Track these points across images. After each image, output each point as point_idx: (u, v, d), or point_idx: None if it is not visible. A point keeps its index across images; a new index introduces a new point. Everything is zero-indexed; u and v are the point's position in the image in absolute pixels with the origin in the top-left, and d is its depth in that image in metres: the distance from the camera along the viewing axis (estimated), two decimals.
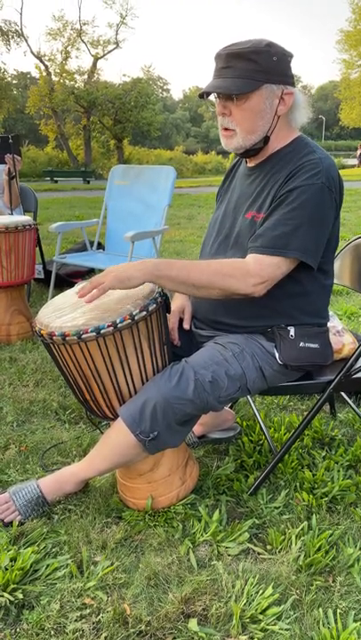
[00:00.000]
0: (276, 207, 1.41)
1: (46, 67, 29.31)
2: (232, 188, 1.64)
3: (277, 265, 1.39)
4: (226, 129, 1.44)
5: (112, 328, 1.32)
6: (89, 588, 1.30)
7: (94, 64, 30.34)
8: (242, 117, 1.40)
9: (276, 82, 1.38)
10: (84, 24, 33.86)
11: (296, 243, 1.38)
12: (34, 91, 29.11)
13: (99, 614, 1.23)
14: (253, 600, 1.26)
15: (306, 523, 1.50)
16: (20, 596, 1.27)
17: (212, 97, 1.43)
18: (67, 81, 29.22)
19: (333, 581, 1.33)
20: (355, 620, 1.22)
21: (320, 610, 1.25)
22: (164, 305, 1.47)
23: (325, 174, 1.39)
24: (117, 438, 1.42)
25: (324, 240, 1.44)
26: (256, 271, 1.37)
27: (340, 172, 1.46)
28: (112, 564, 1.37)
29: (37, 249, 3.51)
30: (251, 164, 1.56)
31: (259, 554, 1.42)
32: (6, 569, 1.33)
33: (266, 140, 1.45)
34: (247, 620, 1.21)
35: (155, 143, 43.87)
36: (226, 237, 1.56)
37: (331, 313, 1.78)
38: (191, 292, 1.41)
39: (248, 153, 1.49)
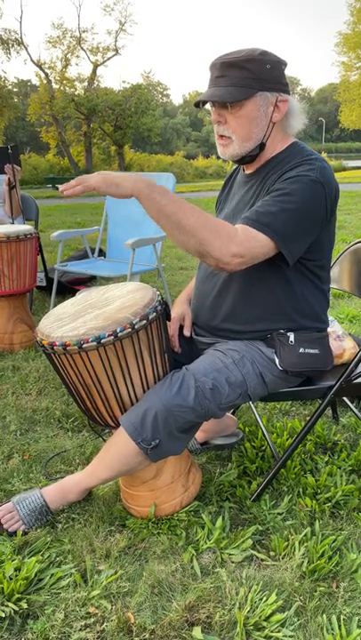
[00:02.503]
0: (269, 192, 1.42)
1: (46, 74, 29.48)
2: (231, 196, 1.65)
3: (261, 243, 1.35)
4: (222, 136, 1.46)
5: (112, 337, 1.33)
6: (93, 597, 1.30)
7: (94, 71, 30.50)
8: (237, 125, 1.42)
9: (270, 89, 1.40)
10: (84, 31, 34.00)
11: (278, 224, 1.35)
12: (34, 98, 29.27)
13: (103, 623, 1.23)
14: (257, 607, 1.26)
15: (309, 528, 1.50)
16: (25, 606, 1.27)
17: (208, 106, 1.45)
18: (67, 88, 29.38)
19: (337, 587, 1.33)
20: (359, 626, 1.22)
21: (324, 616, 1.25)
22: (164, 313, 1.48)
23: (320, 172, 1.40)
24: (119, 447, 1.43)
25: (306, 233, 1.41)
26: (241, 240, 1.33)
27: (340, 173, 1.47)
28: (116, 573, 1.37)
29: (39, 257, 3.53)
30: (248, 172, 1.57)
31: (262, 560, 1.42)
32: (11, 578, 1.34)
33: (262, 146, 1.46)
34: (251, 628, 1.21)
35: (155, 148, 44.03)
36: None
37: (331, 318, 1.78)
38: (170, 231, 1.34)
39: (244, 160, 1.50)
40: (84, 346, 1.33)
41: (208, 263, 1.37)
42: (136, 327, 1.36)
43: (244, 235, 1.34)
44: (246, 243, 1.33)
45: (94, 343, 1.32)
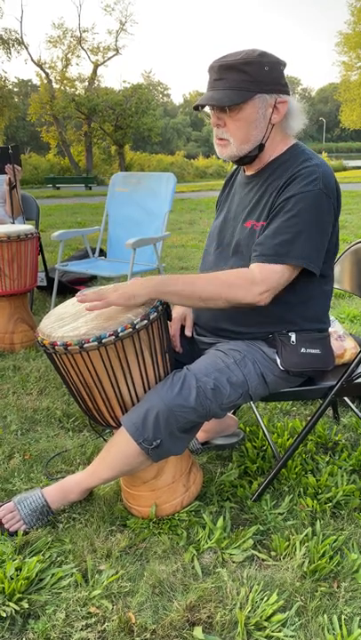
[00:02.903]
0: (275, 215, 1.42)
1: (47, 74, 29.48)
2: (231, 197, 1.65)
3: (281, 272, 1.40)
4: (220, 139, 1.46)
5: (113, 337, 1.33)
6: (94, 597, 1.30)
7: (94, 71, 30.49)
8: (236, 128, 1.42)
9: (268, 91, 1.39)
10: (84, 31, 33.91)
11: (297, 250, 1.39)
12: (35, 98, 29.27)
13: (104, 623, 1.23)
14: (258, 607, 1.26)
15: (310, 528, 1.50)
16: (26, 606, 1.27)
17: (207, 108, 1.45)
18: (67, 88, 29.37)
19: (338, 587, 1.33)
20: (360, 626, 1.22)
21: (325, 616, 1.25)
22: (165, 313, 1.48)
23: (323, 181, 1.40)
24: (120, 447, 1.43)
25: (324, 246, 1.45)
26: (261, 279, 1.38)
27: (341, 173, 1.47)
28: (117, 573, 1.37)
29: (40, 257, 3.53)
30: (248, 173, 1.57)
31: (263, 560, 1.42)
32: (12, 578, 1.34)
33: (261, 147, 1.46)
34: (252, 628, 1.22)
35: (156, 148, 44.03)
36: (226, 246, 1.57)
37: (332, 318, 1.78)
38: (197, 305, 1.43)
39: (243, 161, 1.50)
40: (85, 345, 1.33)
41: (246, 308, 1.43)
42: (137, 327, 1.35)
43: (262, 274, 1.39)
44: (267, 280, 1.39)
45: (95, 343, 1.32)
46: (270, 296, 1.41)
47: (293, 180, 1.41)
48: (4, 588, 1.30)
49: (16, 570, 1.36)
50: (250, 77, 1.37)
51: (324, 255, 1.48)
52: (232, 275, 1.42)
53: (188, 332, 1.66)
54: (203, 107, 1.43)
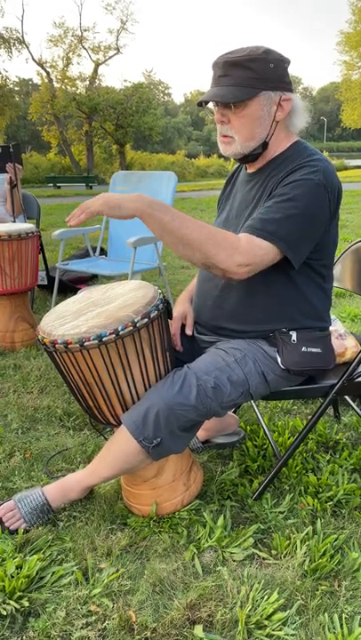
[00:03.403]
0: (272, 198, 1.41)
1: (48, 73, 29.46)
2: (233, 195, 1.65)
3: (266, 250, 1.36)
4: (225, 136, 1.45)
5: (114, 335, 1.33)
6: (94, 595, 1.30)
7: (95, 70, 30.47)
8: (240, 125, 1.41)
9: (273, 88, 1.39)
10: (85, 30, 33.88)
11: (283, 231, 1.36)
12: (36, 97, 29.26)
13: (104, 621, 1.23)
14: (259, 606, 1.26)
15: (311, 527, 1.50)
16: (26, 604, 1.27)
17: (210, 105, 1.44)
18: (68, 87, 29.34)
19: (339, 586, 1.33)
20: (360, 625, 1.22)
21: (326, 615, 1.25)
22: (166, 311, 1.48)
23: (323, 174, 1.39)
24: (121, 445, 1.43)
25: (310, 237, 1.42)
26: (245, 249, 1.34)
27: (342, 172, 1.47)
28: (117, 571, 1.37)
29: (40, 255, 3.53)
30: (250, 170, 1.57)
31: (264, 559, 1.42)
32: (12, 576, 1.34)
33: (265, 145, 1.46)
34: (253, 626, 1.21)
35: (157, 147, 44.00)
36: None
37: (333, 317, 1.78)
38: (175, 246, 1.35)
39: (247, 159, 1.50)
40: (85, 344, 1.33)
41: (215, 274, 1.39)
42: (138, 325, 1.35)
43: (248, 244, 1.35)
44: (251, 252, 1.34)
45: (96, 341, 1.32)
46: (248, 273, 1.37)
47: (295, 171, 1.40)
48: (4, 586, 1.30)
49: (16, 568, 1.36)
50: (255, 74, 1.36)
51: (323, 253, 1.47)
52: (221, 233, 1.36)
53: (188, 331, 1.66)
54: (206, 103, 1.42)
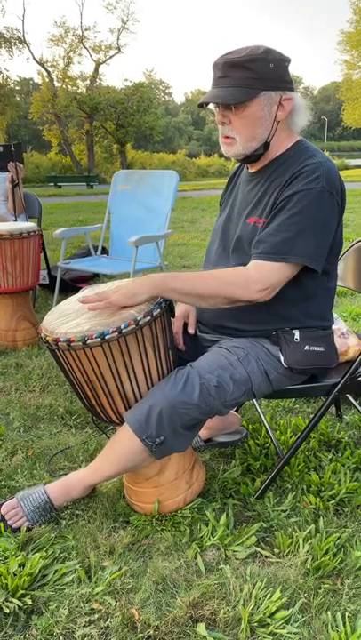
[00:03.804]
0: (277, 213, 1.42)
1: (49, 73, 29.47)
2: (234, 194, 1.65)
3: (280, 270, 1.40)
4: (226, 137, 1.45)
5: (117, 334, 1.33)
6: (97, 593, 1.30)
7: (96, 69, 30.48)
8: (241, 125, 1.41)
9: (273, 88, 1.39)
10: (86, 30, 33.98)
11: (298, 248, 1.38)
12: (36, 97, 29.28)
13: (107, 619, 1.23)
14: (261, 604, 1.26)
15: (313, 526, 1.50)
16: (29, 602, 1.27)
17: (211, 106, 1.44)
18: (69, 86, 29.36)
19: (341, 584, 1.33)
20: None
21: (328, 613, 1.25)
22: (169, 309, 1.48)
23: (325, 178, 1.39)
24: (124, 444, 1.43)
25: (327, 243, 1.44)
26: (257, 277, 1.39)
27: (343, 172, 1.46)
28: (120, 569, 1.37)
29: (42, 255, 3.53)
30: (252, 170, 1.56)
31: (266, 557, 1.42)
32: (15, 575, 1.34)
33: (266, 145, 1.46)
34: (255, 624, 1.21)
35: (157, 147, 44.00)
36: (228, 244, 1.57)
37: (335, 315, 1.78)
38: (198, 303, 1.43)
39: (249, 159, 1.50)
40: (88, 342, 1.32)
41: (245, 304, 1.43)
42: (140, 323, 1.35)
43: (258, 272, 1.39)
44: (263, 277, 1.39)
45: (98, 339, 1.32)
46: (271, 293, 1.41)
47: (296, 178, 1.40)
48: (7, 584, 1.30)
49: (19, 566, 1.36)
50: (255, 75, 1.36)
51: (328, 252, 1.47)
52: (229, 273, 1.42)
53: (190, 330, 1.66)
54: (207, 104, 1.42)
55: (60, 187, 22.19)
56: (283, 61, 1.40)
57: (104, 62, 30.74)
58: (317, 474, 1.75)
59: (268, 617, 1.23)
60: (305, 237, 1.38)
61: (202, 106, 1.44)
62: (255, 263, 1.41)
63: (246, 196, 1.56)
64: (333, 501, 1.61)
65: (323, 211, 1.39)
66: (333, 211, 1.42)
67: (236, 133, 1.43)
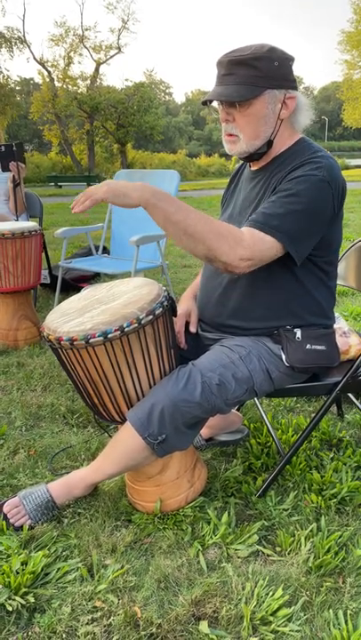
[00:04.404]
0: (276, 193, 1.41)
1: (49, 72, 29.48)
2: (237, 192, 1.65)
3: (268, 245, 1.36)
4: (230, 134, 1.45)
5: (119, 332, 1.33)
6: (100, 592, 1.30)
7: (97, 69, 30.49)
8: (245, 123, 1.41)
9: (278, 87, 1.39)
10: (86, 29, 34.00)
11: (286, 226, 1.36)
12: (37, 97, 29.29)
13: (110, 617, 1.24)
14: (264, 602, 1.26)
15: (315, 524, 1.50)
16: (32, 600, 1.27)
17: (215, 103, 1.44)
18: (69, 86, 29.37)
19: (343, 583, 1.33)
20: None
21: (330, 611, 1.25)
22: (171, 308, 1.48)
23: (327, 170, 1.39)
24: (126, 442, 1.43)
25: (313, 232, 1.41)
26: (248, 243, 1.34)
27: (343, 172, 1.46)
28: (122, 567, 1.37)
29: (43, 254, 3.54)
30: (254, 168, 1.57)
31: (268, 556, 1.43)
32: (17, 573, 1.34)
33: (269, 144, 1.46)
34: (258, 622, 1.22)
35: (158, 147, 44.00)
36: None
37: (337, 314, 1.78)
38: (177, 237, 1.35)
39: (252, 157, 1.50)
40: (90, 341, 1.33)
41: (217, 267, 1.39)
42: (143, 322, 1.36)
43: (251, 238, 1.35)
44: (253, 246, 1.34)
45: (101, 338, 1.32)
46: (250, 267, 1.36)
47: (299, 167, 1.40)
48: (9, 582, 1.31)
49: (22, 564, 1.37)
50: (260, 73, 1.36)
51: (327, 250, 1.48)
52: (225, 226, 1.36)
53: (192, 329, 1.66)
54: (211, 101, 1.42)
55: (60, 186, 22.20)
56: (287, 60, 1.40)
57: (104, 62, 30.76)
58: (319, 473, 1.75)
59: (271, 615, 1.23)
60: (294, 219, 1.36)
61: (206, 103, 1.44)
62: (249, 229, 1.37)
63: (249, 194, 1.56)
64: (335, 500, 1.61)
65: (318, 200, 1.38)
66: (328, 203, 1.40)
67: (240, 131, 1.43)
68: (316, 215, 1.39)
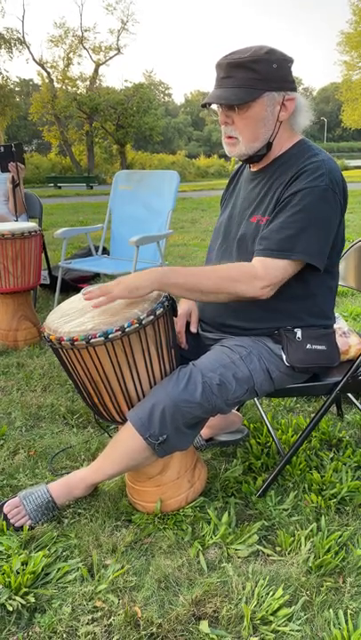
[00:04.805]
0: (281, 210, 1.42)
1: (48, 73, 29.48)
2: (236, 193, 1.65)
3: (283, 268, 1.40)
4: (229, 137, 1.46)
5: (120, 332, 1.33)
6: (100, 592, 1.30)
7: (96, 70, 30.49)
8: (244, 126, 1.42)
9: (277, 89, 1.39)
10: (86, 30, 33.91)
11: (301, 245, 1.39)
12: (36, 97, 29.28)
13: (110, 617, 1.24)
14: (264, 601, 1.26)
15: (315, 524, 1.50)
16: (32, 600, 1.28)
17: (214, 106, 1.44)
18: (69, 87, 29.37)
19: (343, 582, 1.34)
20: None
21: (331, 611, 1.25)
22: (171, 308, 1.48)
23: (329, 176, 1.40)
24: (126, 442, 1.43)
25: (329, 241, 1.45)
26: (262, 274, 1.39)
27: (343, 173, 1.47)
28: (122, 567, 1.37)
29: (43, 255, 3.54)
30: (254, 169, 1.57)
31: (268, 556, 1.43)
32: (18, 573, 1.34)
33: (269, 146, 1.46)
34: (258, 622, 1.22)
35: (157, 148, 44.01)
36: (231, 242, 1.57)
37: (337, 314, 1.78)
38: (199, 298, 1.43)
39: (251, 159, 1.50)
40: (91, 341, 1.33)
41: (247, 300, 1.43)
42: (143, 322, 1.36)
43: (264, 269, 1.39)
44: (269, 275, 1.39)
45: (102, 338, 1.33)
46: (272, 290, 1.42)
47: (300, 176, 1.41)
48: (10, 582, 1.31)
49: (22, 564, 1.37)
50: (259, 75, 1.37)
51: (330, 251, 1.48)
52: (234, 268, 1.41)
53: (193, 329, 1.67)
54: (210, 105, 1.43)
55: (59, 187, 22.20)
56: (286, 62, 1.41)
57: (104, 63, 30.78)
58: (319, 473, 1.75)
59: (271, 614, 1.23)
60: (308, 235, 1.39)
61: (205, 106, 1.44)
62: (260, 260, 1.41)
63: (249, 195, 1.56)
64: (335, 500, 1.61)
65: (325, 209, 1.40)
66: (336, 208, 1.42)
67: (239, 134, 1.43)
68: (327, 224, 1.41)
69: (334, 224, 1.44)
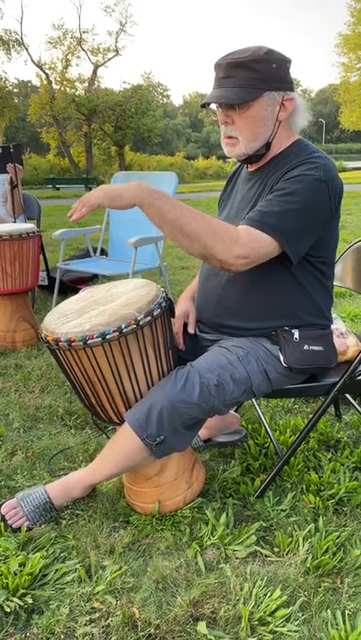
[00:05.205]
0: (272, 192, 1.42)
1: (47, 75, 29.49)
2: (234, 193, 1.66)
3: (264, 243, 1.36)
4: (229, 137, 1.46)
5: (117, 333, 1.33)
6: (98, 593, 1.30)
7: (94, 72, 30.50)
8: (244, 125, 1.42)
9: (276, 89, 1.40)
10: (84, 32, 33.95)
11: (282, 224, 1.36)
12: (35, 99, 29.27)
13: (108, 618, 1.24)
14: (262, 602, 1.26)
15: (313, 525, 1.50)
16: (30, 601, 1.27)
17: (213, 106, 1.45)
18: (67, 89, 29.37)
19: (341, 583, 1.34)
20: None
21: (328, 611, 1.25)
22: (169, 309, 1.49)
23: (324, 170, 1.40)
24: (124, 443, 1.43)
25: (310, 233, 1.42)
26: (244, 241, 1.34)
27: (341, 174, 1.47)
28: (120, 569, 1.37)
29: (41, 256, 3.54)
30: (251, 169, 1.57)
31: (266, 556, 1.43)
32: (15, 574, 1.34)
33: (268, 145, 1.47)
34: (256, 623, 1.22)
35: (156, 149, 44.02)
36: None
37: (334, 315, 1.79)
38: (173, 235, 1.35)
39: (251, 159, 1.51)
40: (88, 342, 1.33)
41: (212, 265, 1.39)
42: (141, 323, 1.36)
43: (247, 236, 1.35)
44: (250, 244, 1.34)
45: (99, 339, 1.33)
46: (246, 265, 1.36)
47: (296, 167, 1.41)
48: (7, 583, 1.31)
49: (20, 565, 1.37)
50: (259, 75, 1.37)
51: (325, 251, 1.48)
52: (221, 225, 1.35)
53: (190, 330, 1.67)
54: (210, 104, 1.43)
55: (58, 189, 22.20)
56: (284, 62, 1.41)
57: (102, 65, 30.78)
58: (317, 473, 1.75)
59: (269, 615, 1.23)
60: (290, 218, 1.37)
61: (205, 106, 1.44)
62: (246, 228, 1.37)
63: (246, 195, 1.56)
64: (333, 500, 1.61)
65: (314, 199, 1.38)
66: (325, 202, 1.40)
67: (239, 133, 1.44)
68: (312, 214, 1.39)
69: (320, 217, 1.41)
